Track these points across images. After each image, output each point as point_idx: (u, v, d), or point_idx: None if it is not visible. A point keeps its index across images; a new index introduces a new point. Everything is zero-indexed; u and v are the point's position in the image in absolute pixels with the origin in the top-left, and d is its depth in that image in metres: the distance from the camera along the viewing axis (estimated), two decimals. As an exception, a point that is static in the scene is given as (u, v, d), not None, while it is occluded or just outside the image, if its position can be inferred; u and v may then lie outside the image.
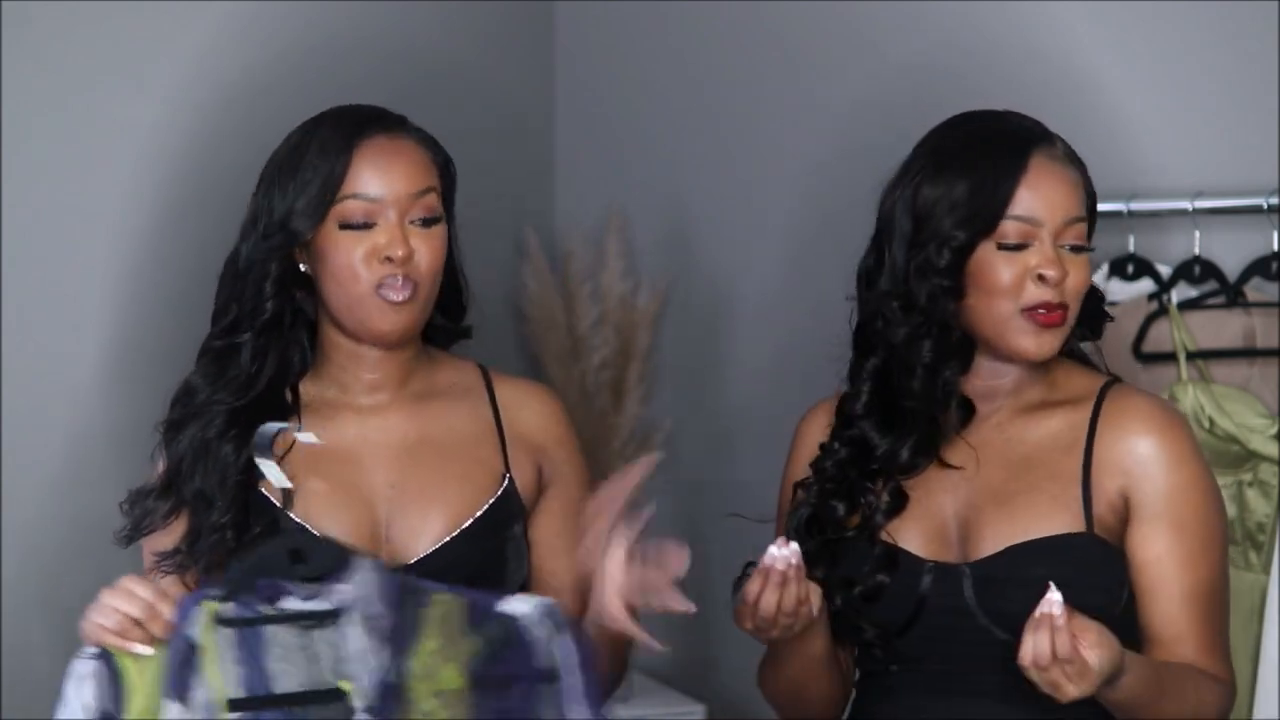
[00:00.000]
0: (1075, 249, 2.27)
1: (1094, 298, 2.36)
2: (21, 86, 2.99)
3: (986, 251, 2.26)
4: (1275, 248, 2.86)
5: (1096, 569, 2.24)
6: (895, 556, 2.28)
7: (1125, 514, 2.26)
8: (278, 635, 2.13)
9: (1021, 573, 2.22)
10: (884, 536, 2.29)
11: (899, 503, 2.30)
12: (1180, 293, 2.92)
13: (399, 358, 2.40)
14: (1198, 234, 2.91)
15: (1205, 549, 2.25)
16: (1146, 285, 2.93)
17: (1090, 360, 2.40)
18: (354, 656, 2.13)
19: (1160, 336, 2.91)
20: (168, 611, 2.13)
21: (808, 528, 2.34)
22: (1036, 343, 2.26)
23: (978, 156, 2.27)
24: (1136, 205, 2.91)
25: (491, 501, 2.36)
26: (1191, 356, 2.87)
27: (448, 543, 2.32)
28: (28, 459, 3.01)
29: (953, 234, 2.26)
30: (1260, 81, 2.87)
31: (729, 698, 3.51)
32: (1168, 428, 2.27)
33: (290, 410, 2.37)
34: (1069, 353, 2.37)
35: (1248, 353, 2.86)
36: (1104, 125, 2.98)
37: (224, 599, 2.14)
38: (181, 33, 3.14)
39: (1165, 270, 2.93)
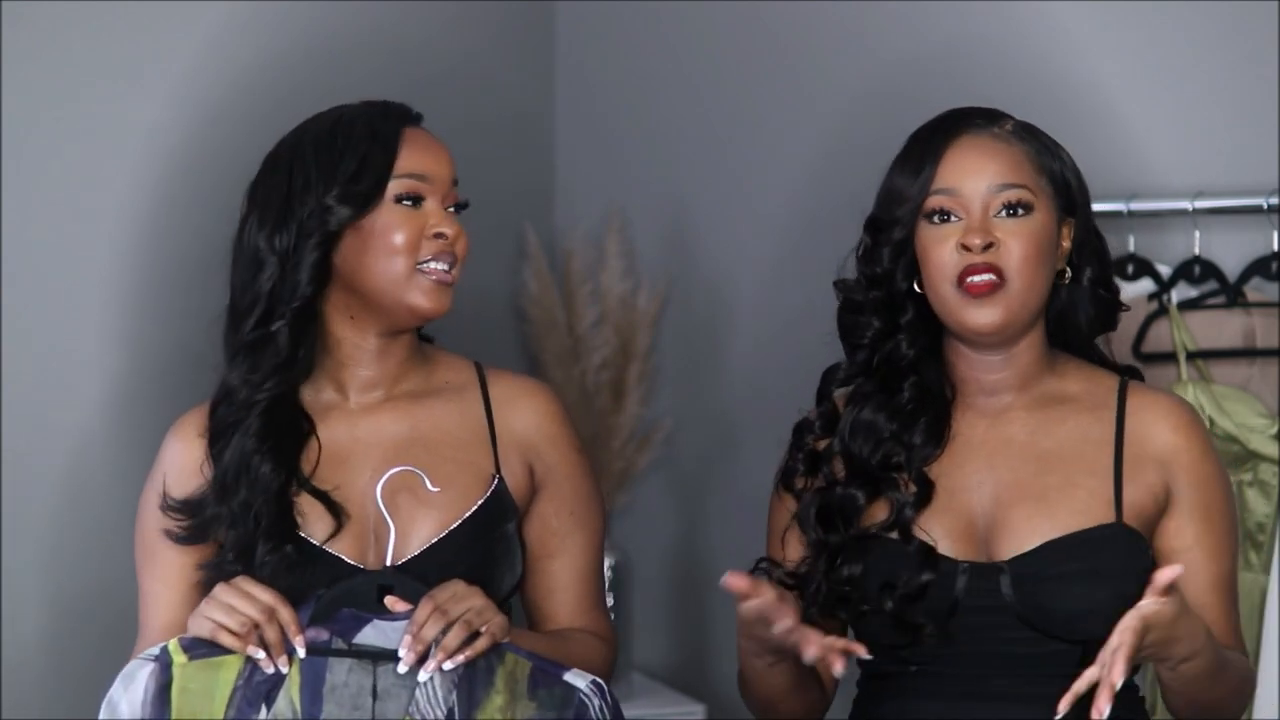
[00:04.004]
0: (1009, 212, 2.27)
1: (1100, 287, 2.35)
2: (21, 86, 2.99)
3: (922, 232, 2.28)
4: (1275, 248, 2.86)
5: (1127, 557, 2.25)
6: (933, 552, 2.26)
7: (1164, 504, 2.28)
8: (337, 667, 2.17)
9: (1058, 568, 2.22)
10: (916, 532, 2.27)
11: (927, 491, 2.29)
12: (1180, 293, 2.92)
13: (396, 356, 2.39)
14: (1198, 234, 2.90)
15: (1227, 539, 2.29)
16: (1146, 285, 2.93)
17: (1108, 360, 2.40)
18: (420, 697, 2.15)
19: (1160, 336, 2.91)
20: (286, 615, 2.17)
21: (820, 520, 2.32)
22: (975, 314, 2.26)
23: (914, 144, 2.32)
24: (1136, 205, 2.90)
25: (480, 502, 2.35)
26: (1191, 356, 2.87)
27: (436, 544, 2.31)
28: (28, 459, 3.01)
29: (884, 216, 2.31)
30: (1260, 81, 2.87)
31: (729, 698, 3.50)
32: (1194, 424, 2.31)
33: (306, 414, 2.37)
34: (1085, 351, 2.37)
35: (1248, 353, 2.86)
36: (1104, 125, 2.98)
37: (308, 625, 2.18)
38: (181, 33, 3.14)
39: (1165, 270, 2.93)
